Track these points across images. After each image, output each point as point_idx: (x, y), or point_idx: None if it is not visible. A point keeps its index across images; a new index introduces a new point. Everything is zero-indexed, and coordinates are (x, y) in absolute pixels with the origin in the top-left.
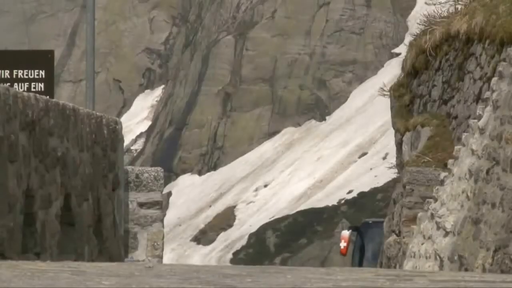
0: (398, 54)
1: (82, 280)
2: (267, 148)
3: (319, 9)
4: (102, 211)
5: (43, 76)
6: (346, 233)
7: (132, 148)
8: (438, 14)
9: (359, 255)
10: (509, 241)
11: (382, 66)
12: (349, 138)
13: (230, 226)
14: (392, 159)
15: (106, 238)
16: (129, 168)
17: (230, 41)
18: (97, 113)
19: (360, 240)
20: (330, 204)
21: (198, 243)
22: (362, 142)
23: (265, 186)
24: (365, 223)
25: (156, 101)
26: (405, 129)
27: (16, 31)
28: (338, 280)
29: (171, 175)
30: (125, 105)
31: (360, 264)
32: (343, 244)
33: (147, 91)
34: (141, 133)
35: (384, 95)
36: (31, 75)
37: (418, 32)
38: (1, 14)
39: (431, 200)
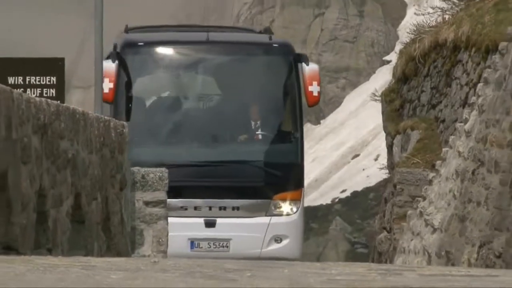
0: (389, 62)
1: (92, 274)
2: None
3: (315, 19)
4: (110, 209)
5: (54, 82)
6: (111, 66)
7: None
8: (427, 23)
9: (126, 99)
10: (493, 237)
11: (374, 72)
12: (342, 141)
13: None
14: (384, 161)
15: (114, 235)
16: (136, 169)
17: None
18: (105, 117)
19: (125, 73)
20: (324, 203)
21: None
22: (355, 144)
23: None
24: (129, 44)
25: None
26: (396, 132)
27: (27, 39)
28: (333, 274)
29: None
30: None
31: (128, 117)
32: (108, 86)
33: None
34: None
35: (375, 100)
36: (43, 81)
37: (408, 40)
38: (12, 22)
39: (420, 199)
